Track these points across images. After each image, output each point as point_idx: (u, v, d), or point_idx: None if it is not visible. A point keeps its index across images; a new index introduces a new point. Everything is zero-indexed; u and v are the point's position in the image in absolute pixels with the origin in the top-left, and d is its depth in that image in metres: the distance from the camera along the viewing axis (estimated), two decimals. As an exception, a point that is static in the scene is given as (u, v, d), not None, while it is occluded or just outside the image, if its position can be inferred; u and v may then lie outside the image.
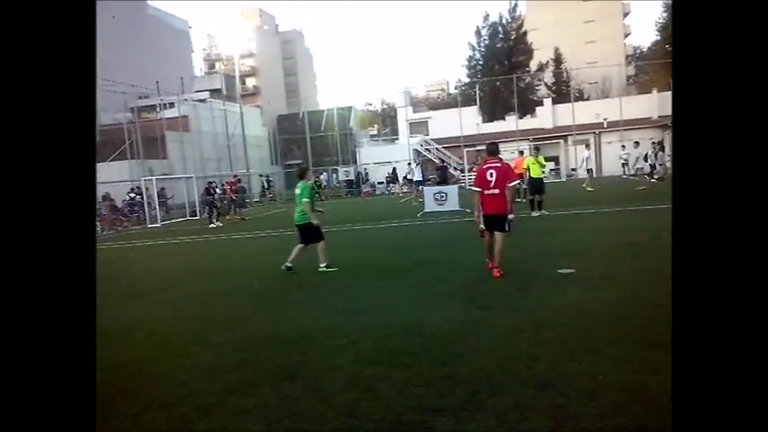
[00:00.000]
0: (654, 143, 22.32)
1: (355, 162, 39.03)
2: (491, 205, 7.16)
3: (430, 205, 17.33)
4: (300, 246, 8.58)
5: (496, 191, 7.12)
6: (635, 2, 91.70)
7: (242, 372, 4.33)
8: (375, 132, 56.65)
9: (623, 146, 27.68)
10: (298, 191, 8.66)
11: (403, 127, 40.75)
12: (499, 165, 7.25)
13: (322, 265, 8.39)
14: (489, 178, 7.17)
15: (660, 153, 21.39)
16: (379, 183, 36.74)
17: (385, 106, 65.54)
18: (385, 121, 58.31)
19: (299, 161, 40.36)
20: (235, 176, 24.34)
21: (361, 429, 3.23)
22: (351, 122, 42.59)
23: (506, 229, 7.16)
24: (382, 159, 37.86)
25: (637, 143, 25.19)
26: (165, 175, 28.28)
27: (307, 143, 37.19)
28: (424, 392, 3.63)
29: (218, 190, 21.52)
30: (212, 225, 19.37)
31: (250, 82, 68.68)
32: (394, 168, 36.12)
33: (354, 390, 3.78)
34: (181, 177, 27.55)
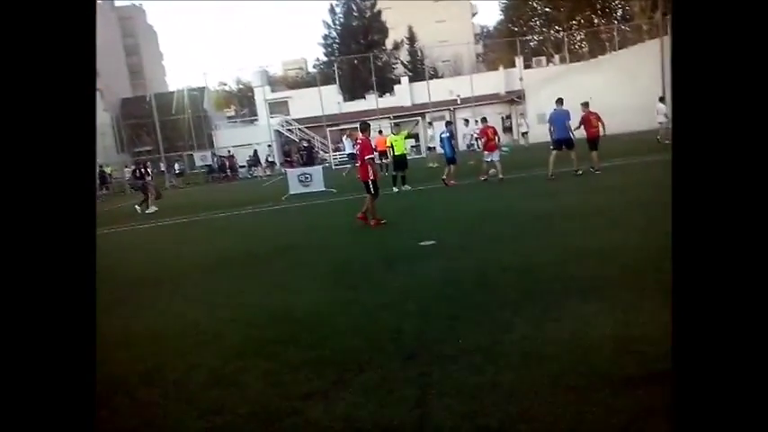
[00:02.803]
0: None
1: (212, 146, 37.16)
2: (359, 172, 9.49)
3: (295, 187, 17.08)
4: None
5: (359, 162, 9.48)
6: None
7: (90, 383, 3.91)
8: (232, 114, 54.30)
9: (477, 121, 29.54)
10: None
11: (262, 108, 39.56)
12: (360, 141, 9.50)
13: None
14: (356, 152, 9.74)
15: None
16: (240, 166, 35.39)
17: (241, 86, 62.91)
18: (242, 102, 56.04)
19: (149, 147, 37.56)
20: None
21: (229, 426, 3.08)
22: (205, 104, 40.31)
23: (367, 190, 9.28)
24: (242, 142, 36.46)
25: (466, 121, 27.06)
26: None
27: (156, 128, 34.54)
28: (293, 379, 3.55)
29: (149, 170, 18.88)
30: (148, 210, 17.08)
31: (86, 62, 62.00)
32: (255, 151, 35.02)
33: (219, 386, 3.59)
34: None
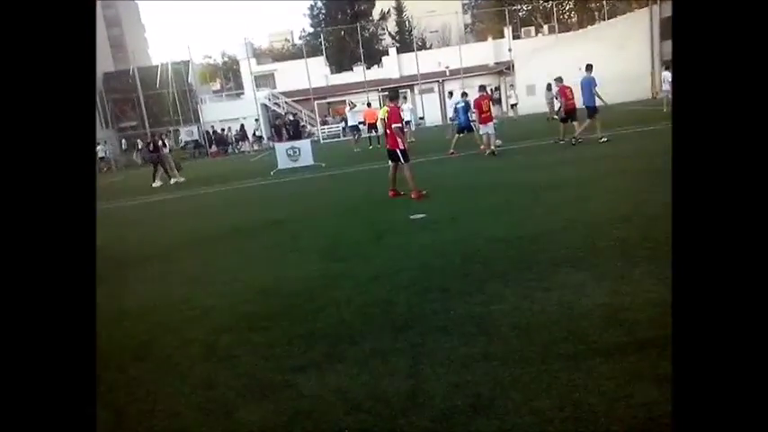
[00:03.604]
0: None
1: (198, 121, 36.58)
2: (388, 141, 9.11)
3: (283, 162, 16.92)
4: None
5: (388, 131, 9.02)
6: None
7: (81, 360, 3.91)
8: (218, 87, 53.40)
9: (450, 93, 29.18)
10: None
11: (248, 81, 38.91)
12: (389, 109, 9.02)
13: None
14: (385, 120, 9.05)
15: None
16: (218, 144, 34.90)
17: (226, 59, 61.77)
18: (227, 75, 55.08)
19: (134, 123, 36.95)
20: None
21: (221, 399, 3.09)
22: (189, 78, 39.45)
23: (402, 159, 8.82)
24: (228, 116, 35.92)
25: (451, 93, 26.68)
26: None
27: (140, 102, 33.91)
28: (285, 352, 3.57)
29: (167, 142, 18.68)
30: (172, 181, 17.05)
31: (65, 35, 60.25)
32: (242, 125, 34.58)
33: (211, 361, 3.60)
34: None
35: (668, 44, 29.23)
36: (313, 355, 3.47)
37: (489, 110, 13.61)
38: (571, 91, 13.96)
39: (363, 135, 22.92)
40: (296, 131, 22.68)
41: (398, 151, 8.82)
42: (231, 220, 9.22)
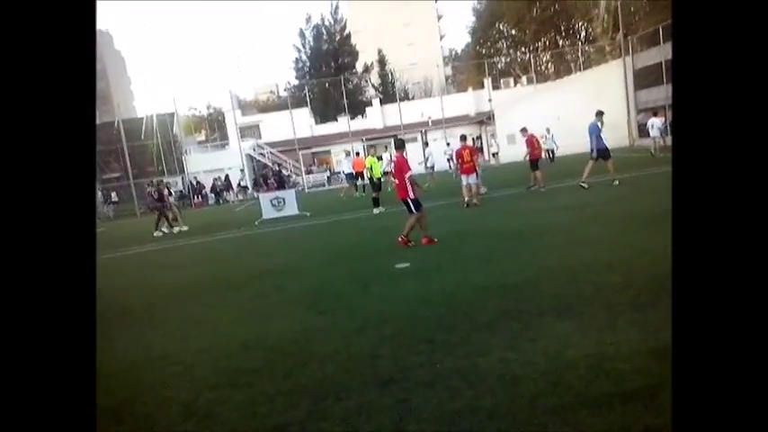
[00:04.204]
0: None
1: (182, 171, 36.56)
2: (398, 191, 8.91)
3: (268, 212, 16.90)
4: None
5: (396, 180, 8.91)
6: (447, 5, 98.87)
7: (55, 423, 3.75)
8: (203, 138, 53.78)
9: (448, 143, 29.92)
10: None
11: (233, 132, 39.28)
12: (395, 159, 8.97)
13: None
14: (393, 170, 9.02)
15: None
16: (211, 192, 34.90)
17: (212, 110, 62.51)
18: (213, 127, 55.62)
19: (118, 174, 36.80)
20: None
21: (201, 463, 2.98)
22: (174, 129, 39.64)
23: (409, 209, 8.76)
24: (213, 167, 35.99)
25: (427, 143, 27.60)
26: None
27: (124, 154, 33.92)
28: (268, 410, 3.47)
29: (171, 191, 18.52)
30: (156, 233, 16.67)
31: (52, 88, 60.80)
32: (227, 175, 34.65)
33: (191, 420, 3.49)
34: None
35: (642, 93, 30.30)
36: (296, 412, 3.39)
37: (471, 160, 13.26)
38: (537, 141, 14.74)
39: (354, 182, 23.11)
40: (280, 181, 22.79)
41: (408, 200, 8.73)
42: (214, 271, 9.11)
